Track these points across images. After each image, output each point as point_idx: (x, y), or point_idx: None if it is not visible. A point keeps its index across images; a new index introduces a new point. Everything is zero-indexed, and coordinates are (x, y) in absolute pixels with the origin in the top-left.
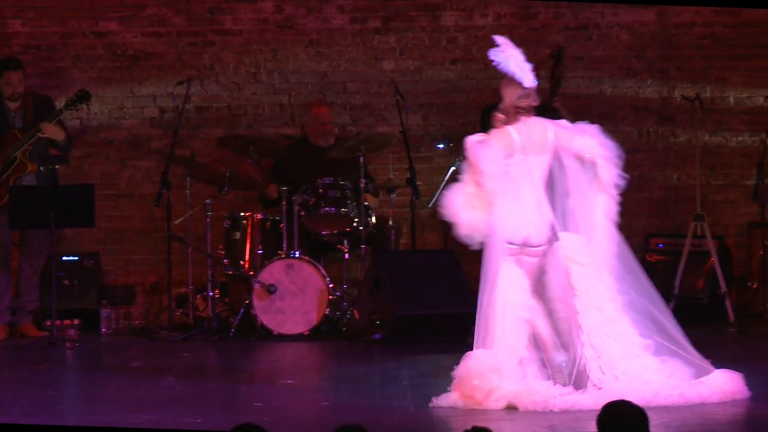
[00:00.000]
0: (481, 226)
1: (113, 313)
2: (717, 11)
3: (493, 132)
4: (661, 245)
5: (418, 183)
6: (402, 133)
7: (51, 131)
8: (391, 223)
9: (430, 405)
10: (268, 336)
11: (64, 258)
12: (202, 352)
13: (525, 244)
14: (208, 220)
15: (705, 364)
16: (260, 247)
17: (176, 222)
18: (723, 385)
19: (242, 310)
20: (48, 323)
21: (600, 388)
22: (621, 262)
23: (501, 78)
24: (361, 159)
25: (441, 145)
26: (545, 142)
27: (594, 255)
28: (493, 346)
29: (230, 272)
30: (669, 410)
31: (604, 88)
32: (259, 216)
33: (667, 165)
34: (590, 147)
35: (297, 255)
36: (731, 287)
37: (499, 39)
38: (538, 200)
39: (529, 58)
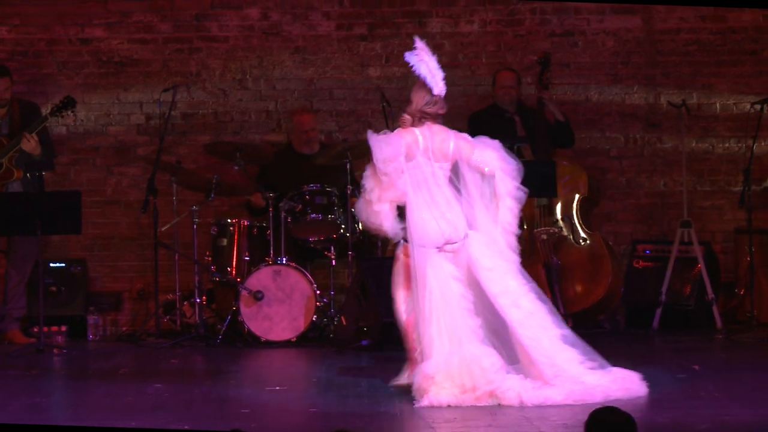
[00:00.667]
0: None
1: (100, 320)
2: (703, 17)
3: (399, 130)
4: (648, 251)
5: None
6: None
7: (29, 146)
8: None
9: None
10: (255, 342)
11: (51, 265)
12: (190, 359)
13: (447, 243)
14: (195, 226)
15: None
16: (247, 253)
17: (163, 229)
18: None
19: (229, 317)
20: (35, 330)
21: (552, 384)
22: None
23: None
24: (348, 166)
25: None
26: (446, 151)
27: (499, 256)
28: (449, 346)
29: (217, 279)
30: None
31: (590, 94)
32: (246, 222)
33: (653, 171)
34: (489, 160)
35: (284, 261)
36: (718, 293)
37: (418, 42)
38: (448, 201)
39: (515, 64)
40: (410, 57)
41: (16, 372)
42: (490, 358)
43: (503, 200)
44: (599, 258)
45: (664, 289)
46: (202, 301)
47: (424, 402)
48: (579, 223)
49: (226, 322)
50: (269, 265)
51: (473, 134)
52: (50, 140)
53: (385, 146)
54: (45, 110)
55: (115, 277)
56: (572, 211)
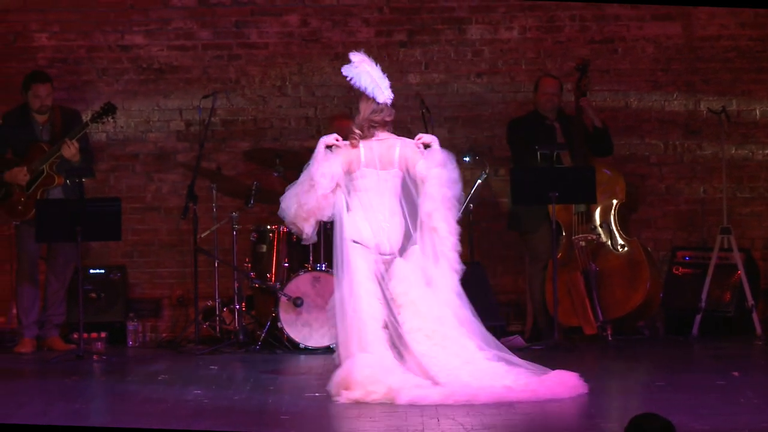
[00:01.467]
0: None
1: (140, 326)
2: (743, 24)
3: (344, 144)
4: (687, 258)
5: None
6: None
7: (69, 153)
8: None
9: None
10: (294, 349)
11: (91, 271)
12: (229, 365)
13: (379, 252)
14: (235, 233)
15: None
16: (286, 260)
17: (202, 235)
18: (564, 380)
19: (269, 323)
20: (75, 336)
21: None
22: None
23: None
24: None
25: (467, 158)
26: (392, 158)
27: (426, 270)
28: (368, 345)
29: (256, 285)
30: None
31: (629, 101)
32: (285, 229)
33: (693, 178)
34: (428, 167)
35: (323, 268)
36: (758, 300)
37: (354, 55)
38: (391, 211)
39: (555, 71)
40: (347, 70)
41: (56, 378)
42: (387, 361)
43: (439, 208)
44: (638, 264)
45: (703, 295)
46: (241, 308)
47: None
48: (617, 229)
49: (266, 329)
50: (308, 271)
51: (513, 140)
52: (90, 147)
53: (325, 164)
54: (85, 117)
55: (155, 284)
56: (611, 217)
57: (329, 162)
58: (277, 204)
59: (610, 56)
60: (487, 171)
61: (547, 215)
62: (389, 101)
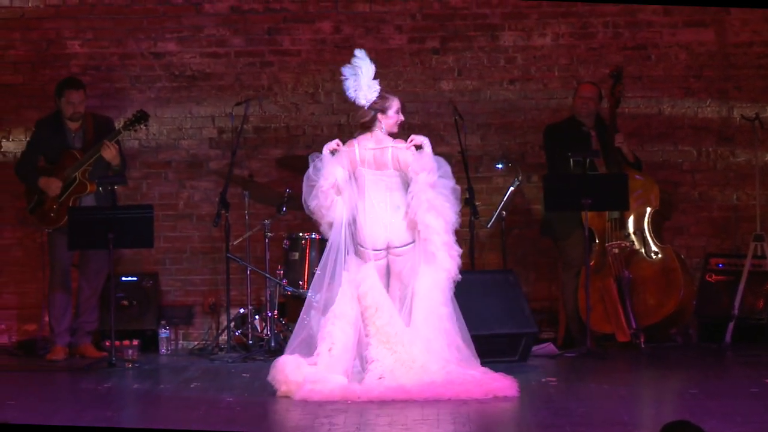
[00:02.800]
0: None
1: (172, 334)
2: None
3: (347, 144)
4: (720, 265)
5: (476, 203)
6: (461, 153)
7: (110, 154)
8: None
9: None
10: None
11: (123, 278)
12: (261, 373)
13: (390, 247)
14: (267, 240)
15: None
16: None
17: (235, 242)
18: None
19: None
20: (107, 344)
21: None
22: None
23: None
24: None
25: (500, 165)
26: (385, 160)
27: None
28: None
29: (289, 293)
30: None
31: (663, 107)
32: (317, 236)
33: (726, 185)
34: (415, 171)
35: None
36: None
37: (357, 53)
38: (393, 205)
39: (588, 77)
40: (345, 70)
41: (88, 385)
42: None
43: (429, 209)
44: (671, 271)
45: (736, 303)
46: (273, 315)
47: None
48: (651, 236)
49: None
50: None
51: (549, 146)
52: (123, 154)
53: (327, 172)
54: (118, 124)
55: (187, 291)
56: (644, 224)
57: (327, 167)
58: None
59: (643, 63)
60: (519, 178)
61: (581, 222)
62: (367, 104)
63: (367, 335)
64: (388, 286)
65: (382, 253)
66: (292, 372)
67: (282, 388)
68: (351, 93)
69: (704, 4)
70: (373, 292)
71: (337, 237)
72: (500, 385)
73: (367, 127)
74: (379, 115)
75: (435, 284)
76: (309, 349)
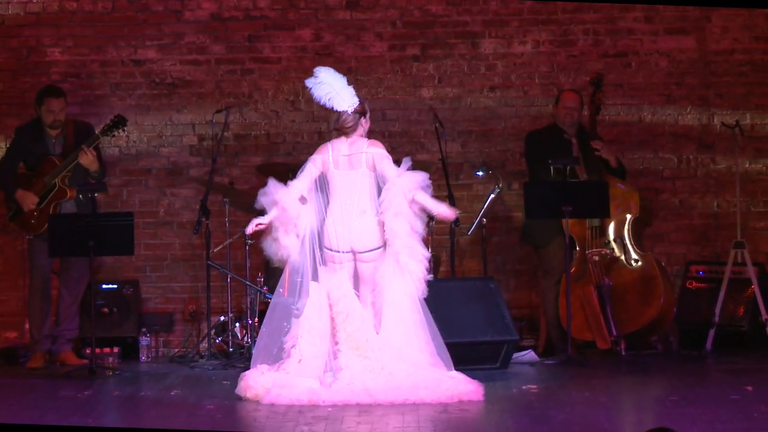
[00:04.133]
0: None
1: (152, 341)
2: (756, 38)
3: (321, 147)
4: (701, 272)
5: (457, 210)
6: (441, 161)
7: (86, 160)
8: (430, 250)
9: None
10: None
11: (104, 286)
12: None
13: (354, 251)
14: (247, 247)
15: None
16: None
17: (215, 250)
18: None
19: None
20: (88, 351)
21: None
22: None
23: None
24: None
25: (480, 173)
26: (360, 158)
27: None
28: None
29: (269, 300)
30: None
31: (643, 115)
32: None
33: (707, 192)
34: (389, 171)
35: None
36: None
37: (317, 70)
38: (360, 209)
39: (568, 85)
40: (308, 83)
41: (69, 393)
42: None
43: (398, 213)
44: (651, 279)
45: (717, 310)
46: (254, 323)
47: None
48: (631, 243)
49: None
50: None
51: (530, 153)
52: (103, 161)
53: (302, 175)
54: (98, 130)
55: (168, 299)
56: (624, 231)
57: (306, 168)
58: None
59: (624, 70)
60: (500, 185)
61: (561, 229)
62: (350, 109)
63: (336, 342)
64: (357, 291)
65: (347, 256)
66: (257, 377)
67: (248, 394)
68: (325, 100)
69: (694, 3)
70: (346, 299)
71: (304, 249)
72: (465, 389)
73: (347, 131)
74: (362, 119)
75: (404, 291)
76: (271, 357)
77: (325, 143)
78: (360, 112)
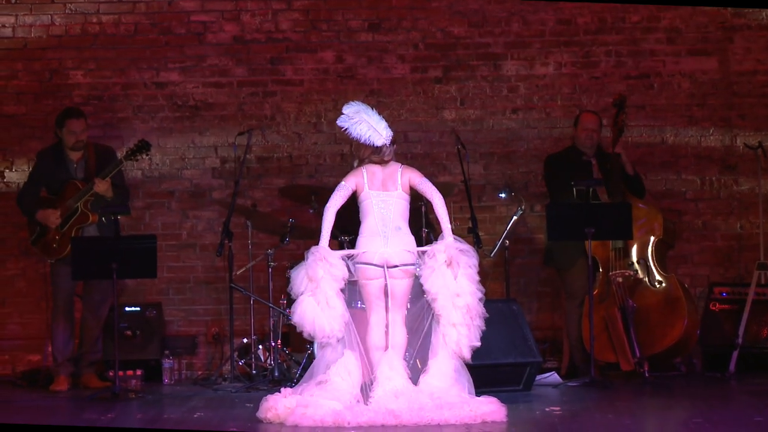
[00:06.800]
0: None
1: (175, 364)
2: None
3: (352, 171)
4: (724, 294)
5: (480, 232)
6: (463, 183)
7: (101, 188)
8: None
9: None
10: None
11: (127, 309)
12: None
13: (388, 265)
14: (270, 270)
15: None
16: None
17: (238, 272)
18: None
19: (304, 361)
20: (111, 374)
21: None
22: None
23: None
24: (423, 209)
25: (502, 195)
26: (395, 179)
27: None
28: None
29: (292, 322)
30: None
31: (666, 136)
32: None
33: (730, 214)
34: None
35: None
36: None
37: (347, 107)
38: (395, 228)
39: (591, 106)
40: (342, 122)
41: (92, 416)
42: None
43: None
44: (675, 300)
45: (740, 331)
46: (277, 345)
47: None
48: (655, 265)
49: (301, 366)
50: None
51: (550, 175)
52: (125, 184)
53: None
54: (120, 154)
55: (191, 321)
56: (648, 253)
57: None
58: (314, 240)
59: (646, 92)
60: (522, 207)
61: (584, 251)
62: (388, 141)
63: (371, 366)
64: (387, 309)
65: (379, 271)
66: (280, 399)
67: (269, 414)
68: (365, 138)
69: (706, 4)
70: (379, 327)
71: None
72: (488, 409)
73: (382, 163)
74: (394, 146)
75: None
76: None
77: (359, 168)
78: (393, 142)
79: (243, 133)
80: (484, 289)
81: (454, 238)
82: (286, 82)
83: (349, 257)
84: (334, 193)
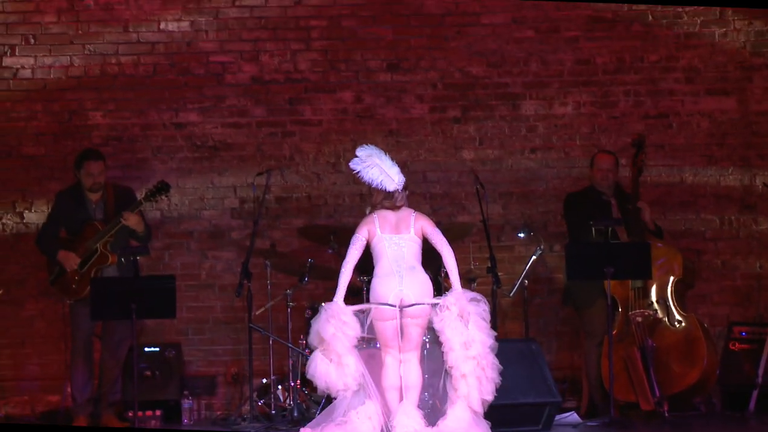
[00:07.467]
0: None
1: (195, 404)
2: None
3: (364, 219)
4: (744, 333)
5: (498, 272)
6: (482, 222)
7: (132, 221)
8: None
9: None
10: None
11: (146, 349)
12: None
13: (402, 305)
14: (289, 310)
15: None
16: None
17: (257, 312)
18: None
19: (323, 401)
20: (130, 414)
21: None
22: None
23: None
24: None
25: (521, 234)
26: (408, 223)
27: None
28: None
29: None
30: None
31: (685, 176)
32: None
33: (749, 253)
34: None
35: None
36: None
37: (360, 150)
38: (409, 266)
39: (610, 146)
40: (354, 165)
41: None
42: None
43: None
44: (695, 340)
45: (760, 371)
46: (296, 385)
47: None
48: (674, 305)
49: (320, 406)
50: (363, 348)
51: (569, 215)
52: (147, 224)
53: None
54: (140, 195)
55: (210, 361)
56: (667, 293)
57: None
58: (333, 280)
59: (665, 131)
60: (542, 247)
61: (603, 291)
62: (400, 186)
63: (387, 407)
64: (400, 348)
65: (394, 312)
66: None
67: None
68: (377, 183)
69: (708, 4)
70: (394, 367)
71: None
72: None
73: (394, 209)
74: (406, 193)
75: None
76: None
77: (371, 216)
78: (405, 187)
79: (262, 173)
80: (496, 333)
81: (464, 290)
82: (304, 122)
83: (363, 312)
84: (350, 249)
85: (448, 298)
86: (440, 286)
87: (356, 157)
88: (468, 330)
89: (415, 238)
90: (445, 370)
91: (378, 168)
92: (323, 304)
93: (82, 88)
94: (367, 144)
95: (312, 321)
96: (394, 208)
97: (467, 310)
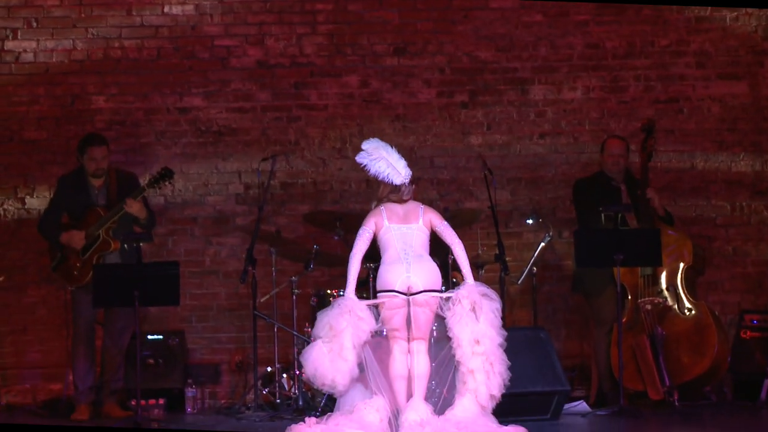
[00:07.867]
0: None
1: (198, 393)
2: None
3: (371, 212)
4: (755, 321)
5: (507, 259)
6: (490, 209)
7: (135, 208)
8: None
9: None
10: None
11: (149, 336)
12: None
13: (396, 291)
14: (294, 297)
15: None
16: None
17: (262, 299)
18: None
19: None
20: (133, 403)
21: None
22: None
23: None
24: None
25: (530, 221)
26: (417, 214)
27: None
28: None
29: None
30: None
31: (695, 161)
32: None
33: (761, 240)
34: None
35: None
36: None
37: (366, 143)
38: (417, 255)
39: (619, 131)
40: (361, 158)
41: None
42: None
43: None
44: (705, 328)
45: None
46: (301, 374)
47: None
48: (684, 292)
49: (326, 395)
50: (370, 336)
51: (578, 201)
52: (150, 210)
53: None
54: (143, 181)
55: (214, 349)
56: (677, 280)
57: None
58: (339, 267)
59: (676, 116)
60: (550, 233)
61: (612, 278)
62: (407, 180)
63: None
64: (408, 338)
65: (402, 301)
66: (304, 429)
67: None
68: (384, 176)
69: (708, 4)
70: (401, 356)
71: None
72: None
73: (401, 202)
74: (413, 187)
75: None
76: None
77: (378, 208)
78: (412, 181)
79: (267, 158)
80: (506, 333)
81: (476, 283)
82: (310, 107)
83: (376, 306)
84: (357, 240)
85: (461, 291)
86: (448, 272)
87: (362, 150)
88: (479, 324)
89: (423, 228)
90: (456, 363)
91: (385, 161)
92: (335, 299)
93: (85, 72)
94: (373, 129)
95: (319, 313)
96: (401, 201)
97: (479, 303)
